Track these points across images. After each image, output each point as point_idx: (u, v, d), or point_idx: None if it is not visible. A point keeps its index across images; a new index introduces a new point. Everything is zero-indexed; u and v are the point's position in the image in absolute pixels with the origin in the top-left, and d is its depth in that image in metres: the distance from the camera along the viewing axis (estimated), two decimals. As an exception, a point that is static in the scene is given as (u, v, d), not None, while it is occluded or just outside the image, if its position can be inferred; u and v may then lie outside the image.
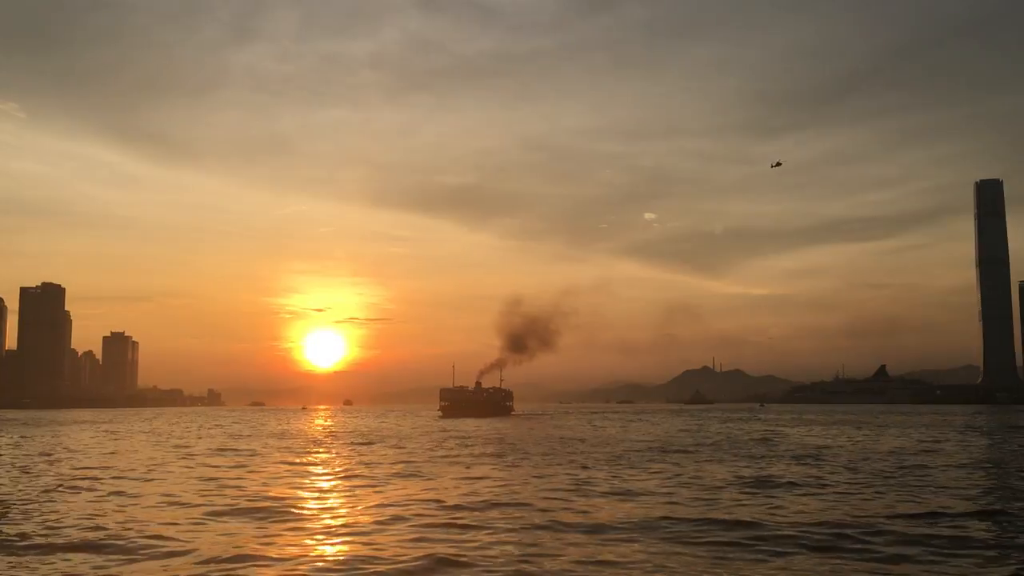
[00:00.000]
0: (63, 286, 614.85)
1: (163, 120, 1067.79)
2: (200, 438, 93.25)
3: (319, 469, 50.94)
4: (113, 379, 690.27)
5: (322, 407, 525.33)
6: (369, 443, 79.67)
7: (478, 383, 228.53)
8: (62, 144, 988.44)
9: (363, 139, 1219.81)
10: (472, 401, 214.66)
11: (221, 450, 70.25)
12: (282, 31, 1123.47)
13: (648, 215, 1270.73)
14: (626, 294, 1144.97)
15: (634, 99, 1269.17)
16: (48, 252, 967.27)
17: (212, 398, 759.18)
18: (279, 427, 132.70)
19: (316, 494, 37.62)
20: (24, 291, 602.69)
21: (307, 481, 43.59)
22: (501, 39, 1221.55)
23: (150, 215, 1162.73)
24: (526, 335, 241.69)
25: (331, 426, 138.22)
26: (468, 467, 50.84)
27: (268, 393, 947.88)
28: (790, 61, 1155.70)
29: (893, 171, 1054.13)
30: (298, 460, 58.68)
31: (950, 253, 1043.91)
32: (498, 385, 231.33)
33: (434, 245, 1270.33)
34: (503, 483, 41.40)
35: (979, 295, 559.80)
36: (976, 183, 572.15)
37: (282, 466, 53.28)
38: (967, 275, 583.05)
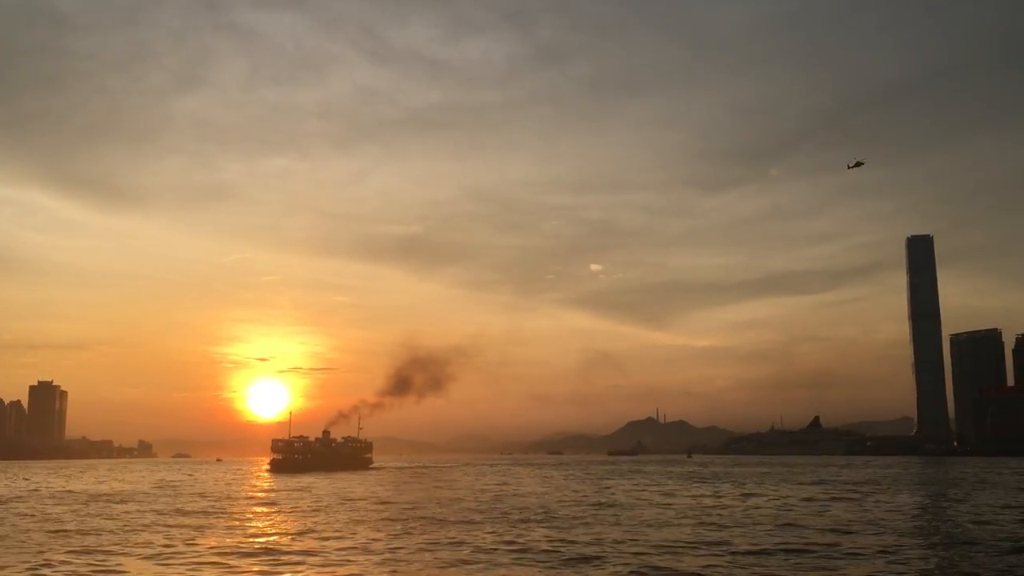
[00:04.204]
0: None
1: (106, 166, 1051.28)
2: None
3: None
4: (39, 430, 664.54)
5: (260, 458, 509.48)
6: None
7: (326, 432, 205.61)
8: (0, 190, 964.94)
9: (309, 188, 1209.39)
10: (315, 453, 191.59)
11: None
12: (229, 79, 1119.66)
13: (594, 266, 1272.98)
14: (571, 345, 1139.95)
15: (580, 152, 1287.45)
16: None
17: (143, 449, 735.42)
18: (103, 486, 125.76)
19: None
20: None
21: None
22: (449, 92, 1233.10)
23: (90, 262, 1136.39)
24: (415, 376, 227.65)
25: (161, 481, 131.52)
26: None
27: (207, 444, 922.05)
28: (732, 119, 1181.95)
29: (830, 226, 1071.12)
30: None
31: (886, 306, 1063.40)
32: (355, 435, 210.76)
33: (381, 294, 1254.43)
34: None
35: (912, 348, 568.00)
36: (907, 239, 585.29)
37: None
38: (902, 328, 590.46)
